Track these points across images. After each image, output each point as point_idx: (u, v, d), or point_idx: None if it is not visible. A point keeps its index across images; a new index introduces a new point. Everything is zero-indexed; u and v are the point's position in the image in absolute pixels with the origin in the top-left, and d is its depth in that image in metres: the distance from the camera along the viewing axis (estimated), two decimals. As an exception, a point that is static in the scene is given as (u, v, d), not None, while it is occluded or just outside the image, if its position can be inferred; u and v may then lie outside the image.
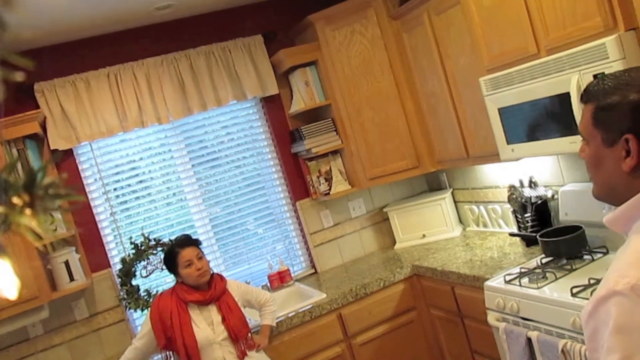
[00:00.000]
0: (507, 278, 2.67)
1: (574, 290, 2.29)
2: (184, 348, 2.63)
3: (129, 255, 3.27)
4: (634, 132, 1.04)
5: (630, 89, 1.04)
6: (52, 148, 3.22)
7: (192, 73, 3.51)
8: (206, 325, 2.70)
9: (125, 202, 3.50)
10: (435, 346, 3.43)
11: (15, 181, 0.53)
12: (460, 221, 3.96)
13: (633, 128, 1.04)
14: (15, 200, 0.52)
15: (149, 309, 2.81)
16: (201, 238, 2.95)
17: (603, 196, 1.16)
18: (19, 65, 0.52)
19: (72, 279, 3.07)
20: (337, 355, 3.23)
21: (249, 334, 2.81)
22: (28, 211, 0.52)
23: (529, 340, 2.42)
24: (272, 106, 3.83)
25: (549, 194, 3.04)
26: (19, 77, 0.54)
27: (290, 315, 3.15)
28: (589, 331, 1.01)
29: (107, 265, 3.41)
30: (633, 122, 1.03)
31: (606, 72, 2.07)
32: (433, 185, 4.16)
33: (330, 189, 3.74)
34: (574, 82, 2.21)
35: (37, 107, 3.21)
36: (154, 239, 3.27)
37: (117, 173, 3.48)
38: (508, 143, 2.73)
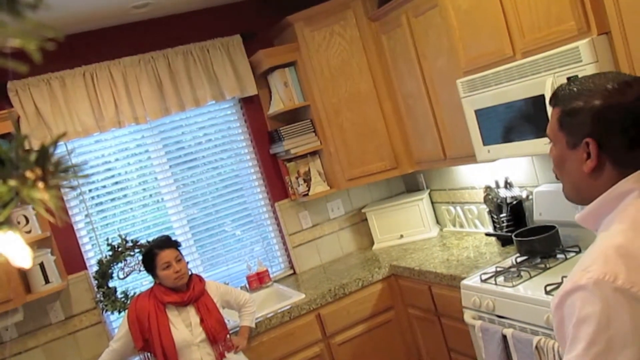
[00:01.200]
0: (483, 277, 2.71)
1: (548, 288, 2.34)
2: (162, 350, 2.62)
3: (105, 257, 3.23)
4: (593, 137, 1.10)
5: (593, 95, 1.10)
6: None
7: (170, 73, 3.49)
8: (184, 327, 2.69)
9: (101, 203, 3.47)
10: (412, 345, 3.46)
11: (27, 155, 0.53)
12: (438, 222, 4.00)
13: (593, 133, 1.10)
14: (28, 174, 0.53)
15: (127, 310, 2.78)
16: (179, 239, 2.93)
17: (572, 196, 1.22)
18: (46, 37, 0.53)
19: (47, 281, 3.02)
20: (316, 355, 3.24)
21: (228, 335, 2.80)
22: (41, 185, 0.53)
23: (504, 337, 2.46)
24: (251, 107, 3.83)
25: (524, 195, 3.09)
26: (51, 46, 0.55)
27: (269, 315, 3.15)
28: (556, 323, 1.08)
29: (83, 267, 3.37)
30: (593, 127, 1.10)
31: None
32: (411, 186, 4.20)
33: (308, 190, 3.75)
34: (548, 85, 2.25)
35: (11, 106, 3.16)
36: (131, 241, 3.24)
37: (93, 174, 3.43)
38: (484, 144, 2.77)
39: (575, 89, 1.15)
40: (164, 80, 3.46)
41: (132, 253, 3.21)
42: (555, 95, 1.20)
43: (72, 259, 3.33)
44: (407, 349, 3.46)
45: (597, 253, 1.05)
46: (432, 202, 3.99)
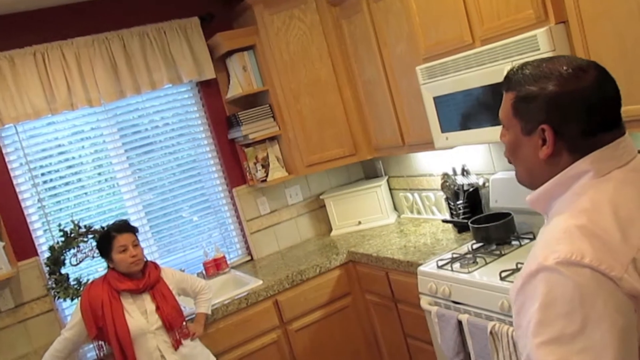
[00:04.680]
0: (440, 263, 2.74)
1: (503, 274, 2.37)
2: (116, 338, 2.56)
3: (57, 243, 3.14)
4: (549, 123, 1.08)
5: (548, 80, 1.08)
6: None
7: (125, 54, 3.38)
8: (139, 315, 2.64)
9: (54, 187, 3.36)
10: (369, 331, 3.49)
11: None
12: (395, 208, 4.03)
13: (549, 119, 1.08)
14: None
15: (80, 298, 2.71)
16: (135, 225, 2.86)
17: (526, 181, 1.20)
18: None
19: (-5, 267, 2.92)
20: (273, 342, 3.23)
21: (184, 323, 2.76)
22: None
23: (460, 323, 2.50)
24: (209, 91, 3.76)
25: (480, 182, 3.14)
26: None
27: (226, 302, 3.12)
28: (518, 306, 1.03)
29: (34, 253, 3.26)
30: (549, 114, 1.08)
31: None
32: (369, 172, 4.21)
33: (267, 176, 3.72)
34: (506, 73, 2.27)
35: (-44, 86, 3.02)
36: (85, 226, 3.15)
37: (45, 157, 3.33)
38: (442, 131, 2.79)
39: (529, 73, 1.12)
40: (118, 62, 3.35)
41: (85, 239, 3.12)
42: (508, 79, 1.17)
43: (22, 245, 3.22)
44: (364, 334, 3.48)
45: (560, 233, 1.02)
46: (390, 189, 4.01)
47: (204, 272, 3.63)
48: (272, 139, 3.77)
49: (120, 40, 3.37)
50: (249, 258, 3.91)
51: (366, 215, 3.91)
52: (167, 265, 3.45)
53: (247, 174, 3.82)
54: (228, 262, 3.73)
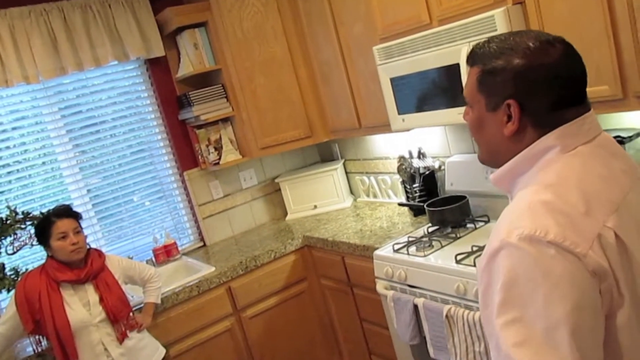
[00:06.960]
0: (396, 247, 2.71)
1: (458, 258, 2.36)
2: (55, 332, 2.40)
3: (-8, 230, 2.95)
4: (515, 98, 1.05)
5: (514, 54, 1.05)
6: None
7: (66, 28, 3.18)
8: (81, 306, 2.48)
9: (-10, 170, 3.17)
10: (325, 316, 3.44)
11: None
12: (352, 192, 3.98)
13: (515, 94, 1.05)
14: None
15: (14, 290, 2.54)
16: (78, 211, 2.70)
17: (488, 160, 1.18)
18: None
19: None
20: (226, 330, 3.14)
21: (131, 313, 2.63)
22: None
23: (415, 306, 2.47)
24: (158, 69, 3.60)
25: (436, 165, 3.11)
26: None
27: (176, 290, 3.01)
28: (483, 285, 0.99)
29: (-32, 240, 3.07)
30: (515, 88, 1.04)
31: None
32: (325, 156, 4.14)
33: (220, 159, 3.60)
34: (463, 54, 2.22)
35: None
36: (22, 212, 2.96)
37: (-21, 138, 3.13)
38: (399, 113, 2.73)
39: (495, 47, 1.08)
40: (58, 36, 3.15)
41: (23, 226, 2.94)
42: (473, 54, 1.13)
43: (-45, 232, 3.02)
44: (319, 320, 3.44)
45: (524, 209, 0.99)
46: (347, 172, 3.95)
47: (153, 259, 3.50)
48: (225, 120, 3.64)
49: (60, 13, 3.16)
50: (201, 244, 3.80)
51: (322, 199, 3.85)
52: (115, 252, 3.31)
53: (199, 156, 3.69)
54: (179, 249, 3.60)
